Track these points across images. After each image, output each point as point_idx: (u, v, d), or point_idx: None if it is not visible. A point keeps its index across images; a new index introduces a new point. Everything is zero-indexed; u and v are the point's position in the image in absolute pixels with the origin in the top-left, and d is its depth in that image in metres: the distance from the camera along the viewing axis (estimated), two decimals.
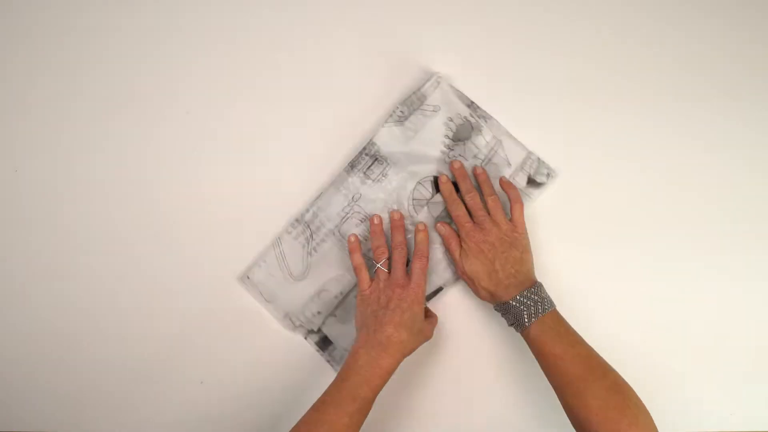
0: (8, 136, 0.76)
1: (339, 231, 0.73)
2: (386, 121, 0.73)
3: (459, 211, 0.70)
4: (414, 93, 0.73)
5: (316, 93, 0.75)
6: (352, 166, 0.73)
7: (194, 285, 0.75)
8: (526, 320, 0.65)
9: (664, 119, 0.76)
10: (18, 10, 0.77)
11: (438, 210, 0.73)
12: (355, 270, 0.71)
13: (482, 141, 0.73)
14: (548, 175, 0.73)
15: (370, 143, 0.73)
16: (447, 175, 0.72)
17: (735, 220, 0.76)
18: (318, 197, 0.73)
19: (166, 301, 0.75)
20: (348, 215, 0.73)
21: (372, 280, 0.70)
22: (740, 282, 0.75)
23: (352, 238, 0.72)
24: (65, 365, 0.75)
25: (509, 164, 0.73)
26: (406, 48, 0.75)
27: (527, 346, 0.67)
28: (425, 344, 0.69)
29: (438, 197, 0.73)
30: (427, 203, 0.73)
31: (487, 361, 0.74)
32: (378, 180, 0.73)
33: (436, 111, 0.73)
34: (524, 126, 0.74)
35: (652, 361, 0.74)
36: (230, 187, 0.76)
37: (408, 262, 0.71)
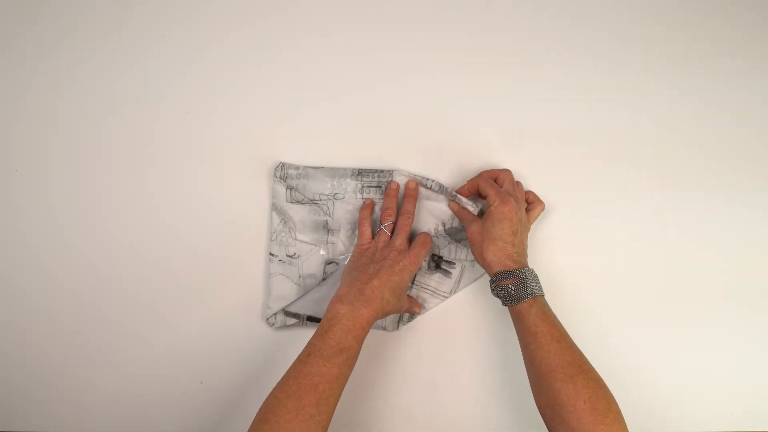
0: (8, 136, 0.77)
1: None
2: (416, 176, 0.74)
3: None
4: (452, 193, 0.73)
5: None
6: (360, 173, 0.74)
7: (194, 285, 0.75)
8: (530, 291, 0.65)
9: None
10: (18, 11, 0.77)
11: None
12: (360, 222, 0.72)
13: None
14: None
15: (389, 171, 0.74)
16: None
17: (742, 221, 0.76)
18: (314, 168, 0.74)
19: (166, 301, 0.75)
20: (316, 202, 0.74)
21: (373, 238, 0.72)
22: (741, 281, 0.75)
23: (368, 201, 0.74)
24: (65, 365, 0.75)
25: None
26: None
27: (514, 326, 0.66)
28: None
29: None
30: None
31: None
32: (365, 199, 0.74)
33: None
34: None
35: (652, 360, 0.75)
36: (231, 184, 0.76)
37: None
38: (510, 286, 0.65)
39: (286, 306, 0.73)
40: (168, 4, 0.78)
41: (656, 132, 0.77)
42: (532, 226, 0.75)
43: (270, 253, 0.74)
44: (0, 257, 0.76)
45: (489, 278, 0.68)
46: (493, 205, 0.68)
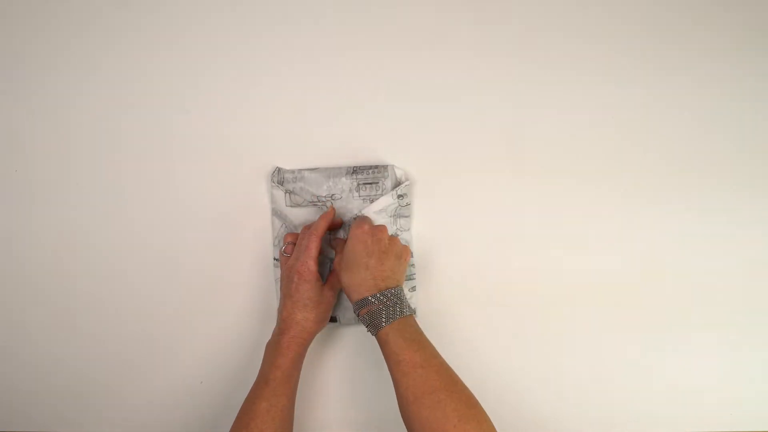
0: (8, 136, 0.77)
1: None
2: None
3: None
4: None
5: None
6: (354, 171, 0.74)
7: (195, 285, 0.75)
8: (387, 317, 0.63)
9: None
10: (18, 11, 0.77)
11: None
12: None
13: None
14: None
15: (389, 167, 0.74)
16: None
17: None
18: (309, 170, 0.74)
19: (167, 301, 0.75)
20: (315, 204, 0.74)
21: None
22: (740, 281, 0.76)
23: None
24: (66, 364, 0.75)
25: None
26: None
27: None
28: None
29: None
30: None
31: None
32: (363, 198, 0.74)
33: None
34: None
35: (651, 361, 0.75)
36: (233, 189, 0.76)
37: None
38: (365, 315, 0.64)
39: None
40: (167, 9, 0.78)
41: (657, 135, 0.77)
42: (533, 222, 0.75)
43: (275, 258, 0.74)
44: (0, 257, 0.76)
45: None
46: (350, 230, 0.68)
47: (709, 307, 0.75)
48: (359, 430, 0.74)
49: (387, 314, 0.63)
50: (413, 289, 0.74)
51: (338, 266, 0.68)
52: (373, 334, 0.64)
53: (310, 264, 0.67)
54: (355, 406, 0.74)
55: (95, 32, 0.77)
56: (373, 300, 0.64)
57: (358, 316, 0.65)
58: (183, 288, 0.75)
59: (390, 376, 0.62)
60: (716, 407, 0.75)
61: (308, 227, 0.71)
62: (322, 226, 0.70)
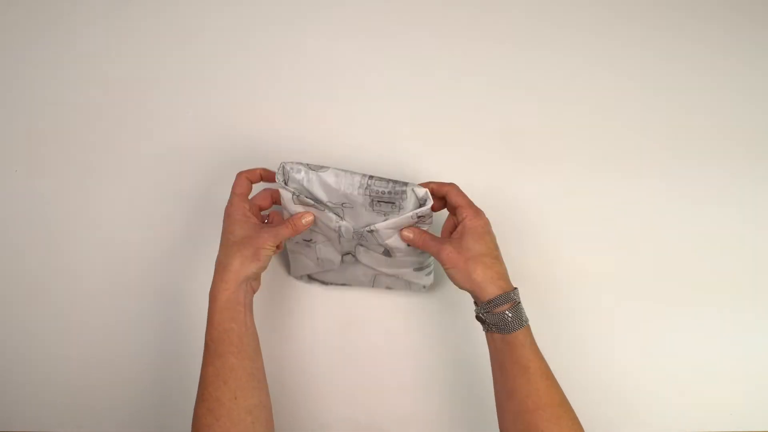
0: (8, 136, 0.77)
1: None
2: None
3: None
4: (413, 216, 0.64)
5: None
6: (368, 186, 0.63)
7: (195, 284, 0.75)
8: (525, 319, 0.59)
9: None
10: (20, 11, 0.78)
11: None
12: None
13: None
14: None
15: (407, 189, 0.62)
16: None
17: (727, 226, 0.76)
18: (315, 174, 0.64)
19: (167, 300, 0.75)
20: (325, 208, 0.65)
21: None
22: (740, 280, 0.76)
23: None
24: (66, 365, 0.75)
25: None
26: None
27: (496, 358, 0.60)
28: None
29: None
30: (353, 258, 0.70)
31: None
32: (376, 212, 0.64)
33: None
34: None
35: (652, 360, 0.75)
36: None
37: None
38: (507, 312, 0.58)
39: (311, 273, 0.74)
40: (169, 9, 0.78)
41: (656, 130, 0.78)
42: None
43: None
44: (0, 257, 0.76)
45: (476, 305, 0.61)
46: (467, 219, 0.61)
47: (710, 306, 0.76)
48: (359, 430, 0.74)
49: (525, 314, 0.59)
50: (424, 287, 0.73)
51: (455, 258, 0.60)
52: (506, 333, 0.58)
53: (235, 200, 0.63)
54: (355, 406, 0.74)
55: (97, 31, 0.78)
56: (514, 297, 0.59)
57: (488, 313, 0.59)
58: (183, 287, 0.75)
59: (496, 379, 0.60)
60: (716, 407, 0.75)
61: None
62: (254, 170, 0.66)
